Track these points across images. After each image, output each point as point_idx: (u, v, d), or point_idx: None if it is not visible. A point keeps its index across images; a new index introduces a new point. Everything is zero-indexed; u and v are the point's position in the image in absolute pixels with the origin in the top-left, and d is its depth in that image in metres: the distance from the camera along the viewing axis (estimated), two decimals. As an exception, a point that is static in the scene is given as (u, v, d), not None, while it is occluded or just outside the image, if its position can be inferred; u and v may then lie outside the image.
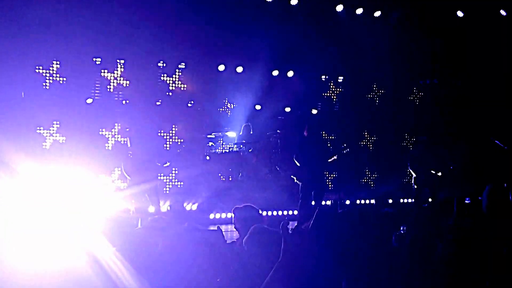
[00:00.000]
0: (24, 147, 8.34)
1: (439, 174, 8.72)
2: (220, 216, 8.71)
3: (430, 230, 3.97)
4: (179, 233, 2.51)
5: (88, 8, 8.50)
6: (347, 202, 10.04)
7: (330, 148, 10.11)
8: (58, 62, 8.71)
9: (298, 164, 7.59)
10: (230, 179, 9.69)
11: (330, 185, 10.61)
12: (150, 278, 2.53)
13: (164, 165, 8.86)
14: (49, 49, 8.55)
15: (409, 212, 8.41)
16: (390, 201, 10.35)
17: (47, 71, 8.65)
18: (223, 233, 3.67)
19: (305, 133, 7.74)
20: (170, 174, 9.25)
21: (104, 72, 9.11)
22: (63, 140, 8.69)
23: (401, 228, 4.34)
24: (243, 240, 2.99)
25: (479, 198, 4.66)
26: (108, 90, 9.16)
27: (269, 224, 4.08)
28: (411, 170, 8.86)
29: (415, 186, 8.86)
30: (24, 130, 8.40)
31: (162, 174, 8.97)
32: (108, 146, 9.09)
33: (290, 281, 2.11)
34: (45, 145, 8.58)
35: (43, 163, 8.44)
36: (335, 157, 7.98)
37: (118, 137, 9.13)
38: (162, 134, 9.43)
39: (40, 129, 8.56)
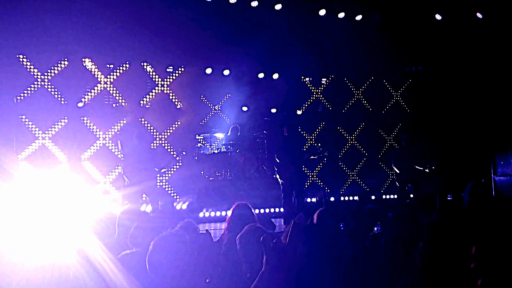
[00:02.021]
0: (15, 149, 8.50)
1: (423, 170, 9.02)
2: (210, 215, 8.95)
3: (411, 227, 4.00)
4: (168, 234, 2.60)
5: (76, 12, 8.64)
6: (332, 199, 10.35)
7: (310, 146, 10.43)
8: (49, 66, 8.85)
9: (278, 162, 7.87)
10: (219, 178, 9.89)
11: (318, 182, 10.90)
12: (141, 278, 2.60)
13: (162, 170, 9.08)
14: (39, 51, 8.69)
15: (391, 209, 8.64)
16: (373, 197, 10.67)
17: (38, 74, 8.79)
18: (211, 235, 3.87)
19: (285, 133, 8.01)
20: (161, 175, 9.45)
21: (94, 76, 9.26)
22: (53, 143, 8.83)
23: (376, 229, 4.51)
24: (237, 237, 3.05)
25: (462, 194, 4.84)
26: (98, 93, 9.31)
27: (260, 223, 4.30)
28: (394, 167, 9.16)
29: (397, 183, 9.18)
30: (15, 132, 8.52)
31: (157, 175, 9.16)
32: (100, 148, 9.24)
33: None
34: (37, 147, 8.71)
35: (34, 166, 8.61)
36: (314, 157, 8.26)
37: (108, 140, 9.30)
38: (153, 134, 9.63)
39: (32, 131, 8.69)
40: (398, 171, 9.05)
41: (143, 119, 9.59)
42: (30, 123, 8.69)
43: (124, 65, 9.48)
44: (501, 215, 4.48)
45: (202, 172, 9.76)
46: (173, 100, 9.93)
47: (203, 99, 10.32)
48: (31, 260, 3.02)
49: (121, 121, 9.42)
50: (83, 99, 9.17)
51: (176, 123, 9.86)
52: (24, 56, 8.68)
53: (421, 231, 3.67)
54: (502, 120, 10.50)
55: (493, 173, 10.76)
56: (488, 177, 10.78)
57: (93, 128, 9.22)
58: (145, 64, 9.68)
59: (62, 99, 8.96)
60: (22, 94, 8.67)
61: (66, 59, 8.95)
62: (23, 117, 8.65)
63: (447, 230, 3.08)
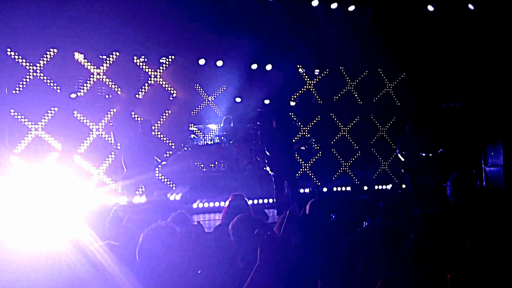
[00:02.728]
0: (8, 141, 8.50)
1: (428, 156, 9.13)
2: (203, 206, 9.01)
3: (404, 218, 4.04)
4: (158, 226, 2.60)
5: (70, 2, 8.62)
6: (324, 189, 10.43)
7: (301, 137, 10.50)
8: (42, 57, 8.81)
9: (268, 154, 7.90)
10: (213, 170, 9.93)
11: (309, 174, 10.96)
12: (135, 269, 2.60)
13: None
14: (32, 42, 8.64)
15: (384, 199, 8.70)
16: (365, 188, 10.78)
17: (31, 65, 8.75)
18: (203, 227, 3.90)
19: (274, 125, 8.03)
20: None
21: (87, 67, 9.23)
22: (47, 135, 8.82)
23: (365, 223, 4.49)
24: (230, 225, 3.01)
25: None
26: (91, 84, 9.27)
27: (254, 214, 4.34)
28: (400, 156, 9.24)
29: (403, 171, 9.26)
30: (8, 124, 8.52)
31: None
32: (94, 139, 9.24)
33: (268, 285, 2.17)
34: (30, 139, 8.70)
35: (30, 158, 8.61)
36: (303, 148, 8.31)
37: (102, 132, 9.30)
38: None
39: (25, 123, 8.67)
40: (403, 160, 9.13)
41: (136, 110, 9.58)
42: (21, 117, 8.65)
43: (115, 56, 9.42)
44: (489, 206, 4.52)
45: (196, 163, 9.79)
46: (166, 91, 9.92)
47: (197, 88, 10.29)
48: (28, 249, 3.12)
49: (115, 112, 9.42)
50: (75, 90, 9.14)
51: (169, 114, 9.87)
52: (12, 50, 8.59)
53: (413, 223, 3.69)
54: (494, 110, 10.60)
55: (484, 164, 10.89)
56: (479, 168, 10.90)
57: (85, 119, 9.20)
58: (137, 54, 9.62)
59: (55, 86, 8.92)
60: (17, 88, 8.64)
61: (56, 51, 8.89)
62: (16, 109, 8.61)
63: (438, 222, 3.09)
